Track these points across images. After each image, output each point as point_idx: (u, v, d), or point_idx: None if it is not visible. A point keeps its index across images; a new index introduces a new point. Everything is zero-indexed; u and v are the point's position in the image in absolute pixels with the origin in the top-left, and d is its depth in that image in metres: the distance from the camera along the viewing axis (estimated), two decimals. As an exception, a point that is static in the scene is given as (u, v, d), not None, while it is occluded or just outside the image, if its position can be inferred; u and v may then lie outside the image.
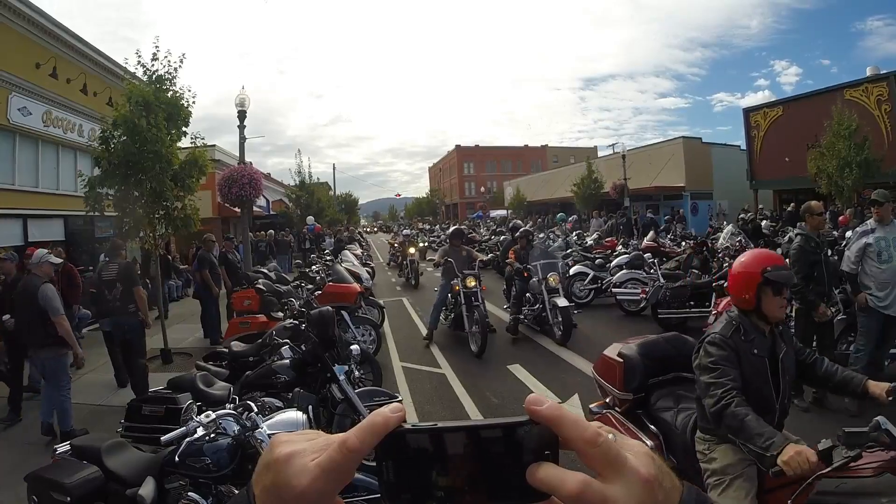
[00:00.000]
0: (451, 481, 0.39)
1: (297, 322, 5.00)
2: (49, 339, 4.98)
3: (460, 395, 5.82)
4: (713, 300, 7.19)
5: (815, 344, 5.11)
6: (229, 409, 2.70)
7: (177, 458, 2.50)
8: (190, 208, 8.01)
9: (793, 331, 5.69)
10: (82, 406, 6.18)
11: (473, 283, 7.52)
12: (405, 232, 19.19)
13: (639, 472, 0.39)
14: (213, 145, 18.57)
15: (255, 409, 2.68)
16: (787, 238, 10.51)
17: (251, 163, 12.22)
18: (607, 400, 3.06)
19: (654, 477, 0.39)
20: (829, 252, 5.27)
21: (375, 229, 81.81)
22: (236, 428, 2.65)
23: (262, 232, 20.17)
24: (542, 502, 0.39)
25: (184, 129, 7.84)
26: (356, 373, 4.31)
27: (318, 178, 29.09)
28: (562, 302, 7.56)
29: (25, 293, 5.06)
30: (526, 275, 8.05)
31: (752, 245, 8.72)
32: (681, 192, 23.89)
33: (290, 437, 0.44)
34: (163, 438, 2.44)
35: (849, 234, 8.66)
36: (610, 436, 0.40)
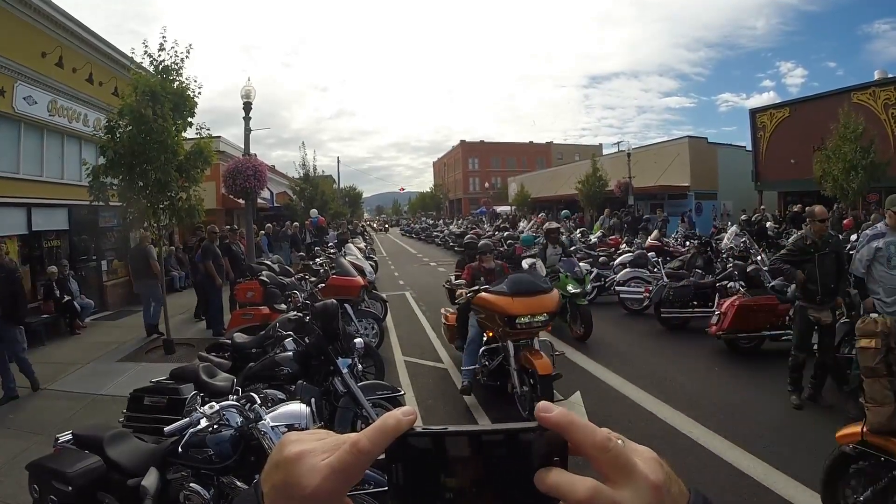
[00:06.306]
0: (460, 485, 0.39)
1: (301, 314, 5.01)
2: (150, 273, 8.76)
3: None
4: (716, 300, 7.17)
5: (815, 346, 5.10)
6: (233, 400, 2.70)
7: (179, 449, 2.50)
8: (194, 199, 8.03)
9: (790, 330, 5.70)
10: (84, 395, 6.23)
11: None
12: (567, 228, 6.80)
13: (648, 478, 0.39)
14: (218, 137, 18.50)
15: (259, 401, 2.68)
16: (791, 240, 10.47)
17: (256, 155, 12.21)
18: None
19: (662, 482, 0.40)
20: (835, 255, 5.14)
21: (386, 226, 61.72)
22: (240, 419, 2.66)
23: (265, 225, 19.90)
24: None
25: (189, 119, 7.83)
26: (359, 366, 4.32)
27: (322, 171, 29.11)
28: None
29: (140, 252, 9.02)
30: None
31: (757, 246, 8.69)
32: (685, 192, 23.80)
33: (300, 436, 0.44)
34: (167, 429, 2.45)
35: (853, 237, 8.62)
36: (619, 441, 0.40)
